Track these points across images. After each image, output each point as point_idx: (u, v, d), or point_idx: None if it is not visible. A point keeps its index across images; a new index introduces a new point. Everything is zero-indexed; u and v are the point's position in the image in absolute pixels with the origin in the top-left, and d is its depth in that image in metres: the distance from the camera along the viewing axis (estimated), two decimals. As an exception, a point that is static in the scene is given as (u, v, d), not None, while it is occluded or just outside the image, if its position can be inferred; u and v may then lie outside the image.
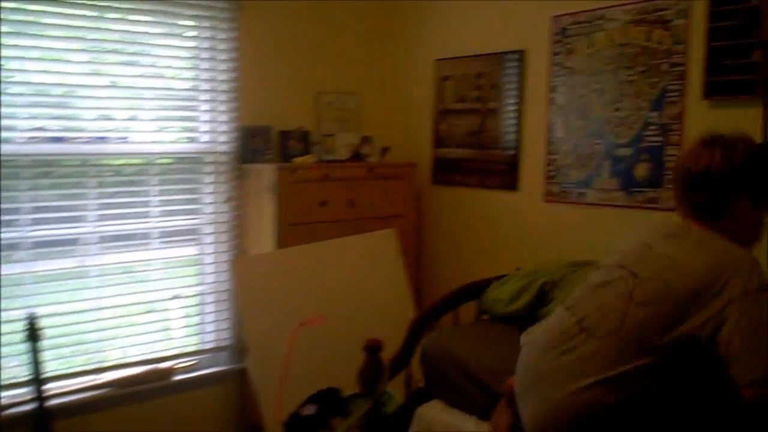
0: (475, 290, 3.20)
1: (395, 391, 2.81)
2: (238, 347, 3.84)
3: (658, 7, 3.19)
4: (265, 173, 3.69)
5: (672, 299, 1.79)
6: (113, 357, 3.55)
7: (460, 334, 2.92)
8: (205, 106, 3.82)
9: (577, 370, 1.88)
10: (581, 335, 1.92)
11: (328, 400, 3.04)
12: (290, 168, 3.71)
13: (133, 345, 3.61)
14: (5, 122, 3.11)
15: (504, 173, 3.89)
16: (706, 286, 1.76)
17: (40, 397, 2.92)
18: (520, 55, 3.79)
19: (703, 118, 3.03)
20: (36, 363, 2.90)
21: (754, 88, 2.84)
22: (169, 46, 3.70)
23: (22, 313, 2.99)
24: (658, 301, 1.81)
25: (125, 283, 3.59)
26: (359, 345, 2.82)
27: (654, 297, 1.83)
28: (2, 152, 3.09)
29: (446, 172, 4.25)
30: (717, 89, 2.96)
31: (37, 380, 2.91)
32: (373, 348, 2.70)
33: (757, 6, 2.83)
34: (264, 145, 3.91)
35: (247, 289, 3.47)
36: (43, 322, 2.95)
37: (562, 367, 1.92)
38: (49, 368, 3.12)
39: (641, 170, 3.27)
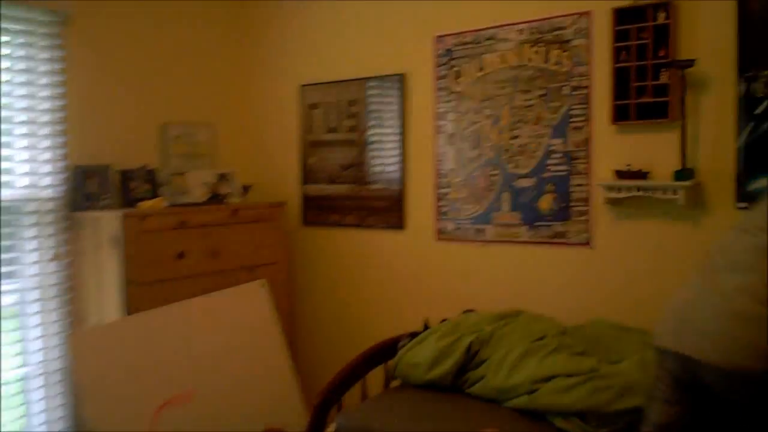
0: (383, 353, 2.72)
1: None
2: (79, 440, 3.21)
3: (555, 26, 2.95)
4: (106, 222, 3.13)
5: None
6: None
7: (381, 410, 2.42)
8: (22, 143, 3.13)
9: None
10: None
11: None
12: (137, 215, 3.11)
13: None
14: None
15: (388, 211, 3.50)
16: None
17: None
18: (400, 79, 3.42)
19: (612, 145, 2.83)
20: None
21: (666, 111, 2.66)
22: (-28, 67, 2.97)
23: None
24: None
25: None
26: (236, 423, 2.38)
27: None
28: None
29: (319, 211, 3.78)
30: (626, 113, 2.76)
31: None
32: (272, 440, 2.15)
33: (666, 23, 2.65)
34: (101, 188, 3.31)
35: (88, 368, 2.86)
36: None
37: None
38: None
39: (546, 202, 3.00)
